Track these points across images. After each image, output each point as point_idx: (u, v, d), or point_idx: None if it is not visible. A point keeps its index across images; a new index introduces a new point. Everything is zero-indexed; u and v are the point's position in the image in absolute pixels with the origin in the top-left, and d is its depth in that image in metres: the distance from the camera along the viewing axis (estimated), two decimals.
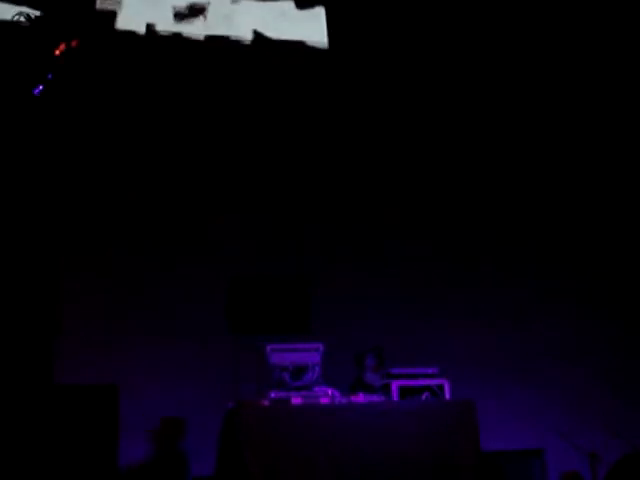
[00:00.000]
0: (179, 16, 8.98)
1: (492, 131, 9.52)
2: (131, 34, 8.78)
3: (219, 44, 9.06)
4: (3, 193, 7.56)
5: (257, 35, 9.22)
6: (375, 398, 6.48)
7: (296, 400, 6.17)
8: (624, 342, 9.06)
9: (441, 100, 9.47)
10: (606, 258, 9.34)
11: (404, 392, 6.50)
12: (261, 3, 9.32)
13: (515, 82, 9.66)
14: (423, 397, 6.49)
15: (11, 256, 7.61)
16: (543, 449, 8.19)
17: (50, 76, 6.82)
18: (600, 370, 8.86)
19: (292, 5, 9.41)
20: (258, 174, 8.83)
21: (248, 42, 9.17)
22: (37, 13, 7.07)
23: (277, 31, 9.29)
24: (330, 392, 6.31)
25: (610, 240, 9.43)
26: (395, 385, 6.51)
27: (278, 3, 9.37)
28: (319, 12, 9.46)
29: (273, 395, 6.19)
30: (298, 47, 9.31)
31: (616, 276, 9.32)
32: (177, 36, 8.98)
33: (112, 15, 8.77)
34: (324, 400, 6.25)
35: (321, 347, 6.43)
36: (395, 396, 6.47)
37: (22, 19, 6.71)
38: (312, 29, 9.39)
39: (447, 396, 6.54)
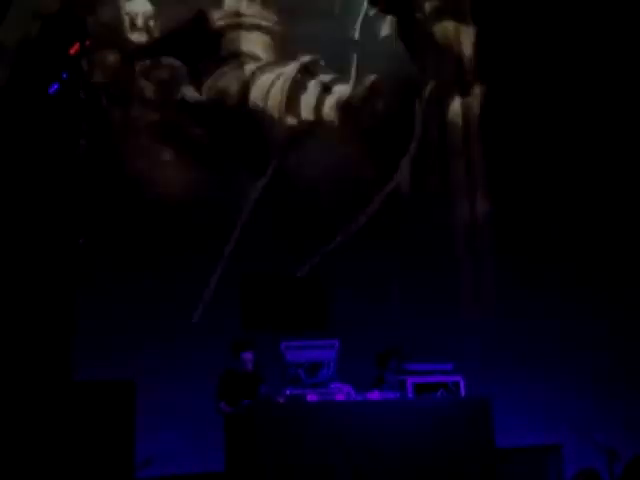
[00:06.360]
0: None
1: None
2: None
3: None
4: (21, 200, 7.63)
5: None
6: (390, 395, 6.48)
7: (311, 397, 6.16)
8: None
9: None
10: (618, 253, 9.29)
11: (419, 388, 6.46)
12: None
13: None
14: (438, 394, 6.47)
15: (29, 260, 7.67)
16: (561, 445, 8.13)
17: (65, 75, 6.85)
18: (617, 365, 8.82)
19: None
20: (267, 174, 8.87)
21: None
22: None
23: None
24: (345, 389, 6.32)
25: (619, 237, 9.38)
26: (410, 381, 6.47)
27: None
28: None
29: (288, 392, 6.18)
30: None
31: (630, 271, 9.27)
32: None
33: None
34: (339, 397, 6.24)
35: (336, 344, 6.41)
36: (410, 393, 6.44)
37: None
38: None
39: (462, 393, 6.51)
